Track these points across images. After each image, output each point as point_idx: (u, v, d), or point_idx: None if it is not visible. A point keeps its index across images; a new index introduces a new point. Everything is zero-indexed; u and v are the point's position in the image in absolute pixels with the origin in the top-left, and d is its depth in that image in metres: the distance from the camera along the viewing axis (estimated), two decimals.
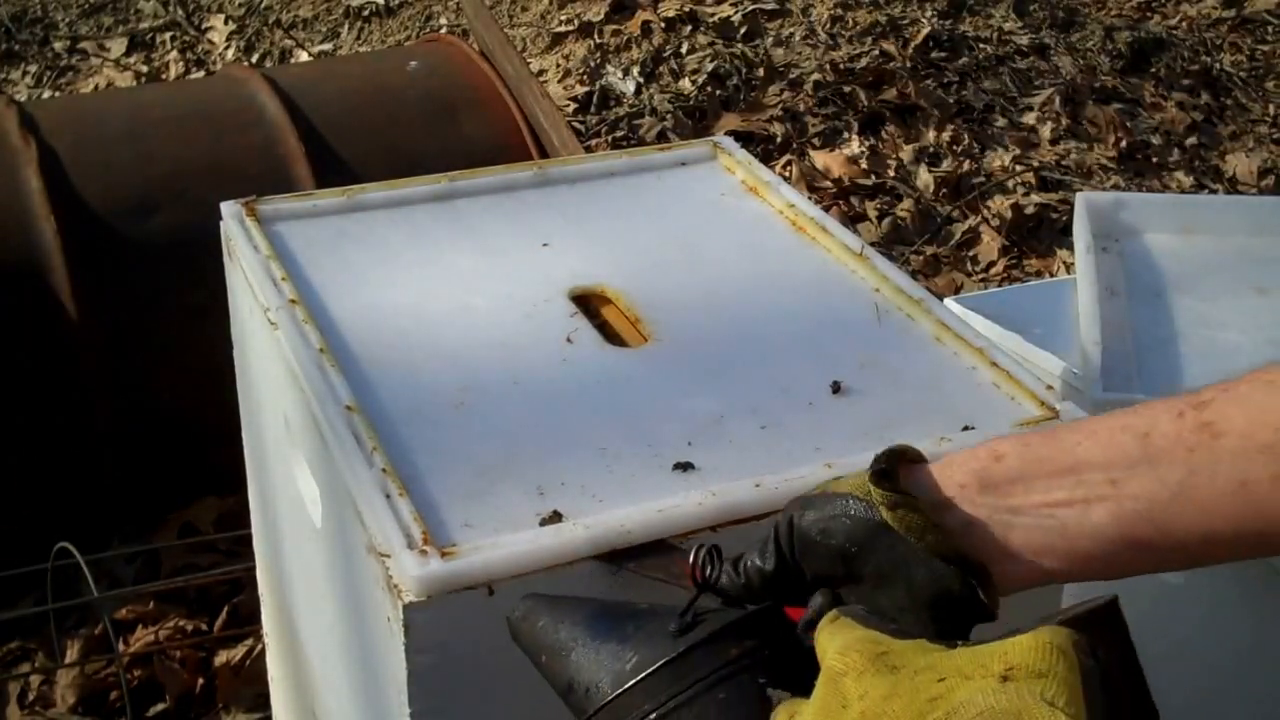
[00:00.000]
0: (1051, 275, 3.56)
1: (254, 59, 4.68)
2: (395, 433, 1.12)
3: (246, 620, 2.32)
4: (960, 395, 1.20)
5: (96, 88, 4.58)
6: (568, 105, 4.03)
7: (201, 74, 4.62)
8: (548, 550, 0.99)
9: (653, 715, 0.78)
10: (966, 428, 1.14)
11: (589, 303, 1.34)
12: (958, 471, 0.84)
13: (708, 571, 0.85)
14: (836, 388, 1.19)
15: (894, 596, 0.82)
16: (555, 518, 1.03)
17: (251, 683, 2.25)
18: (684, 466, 1.09)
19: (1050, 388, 1.20)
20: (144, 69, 4.68)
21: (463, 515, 1.03)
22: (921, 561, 0.81)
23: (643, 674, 0.80)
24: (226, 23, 4.82)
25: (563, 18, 4.43)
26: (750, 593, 0.86)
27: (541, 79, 3.93)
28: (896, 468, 0.84)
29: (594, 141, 3.90)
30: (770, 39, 4.35)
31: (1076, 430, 0.84)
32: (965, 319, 1.37)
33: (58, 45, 4.82)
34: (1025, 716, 0.65)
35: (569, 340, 1.27)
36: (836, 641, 0.75)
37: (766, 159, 3.81)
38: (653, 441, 1.12)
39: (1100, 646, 0.74)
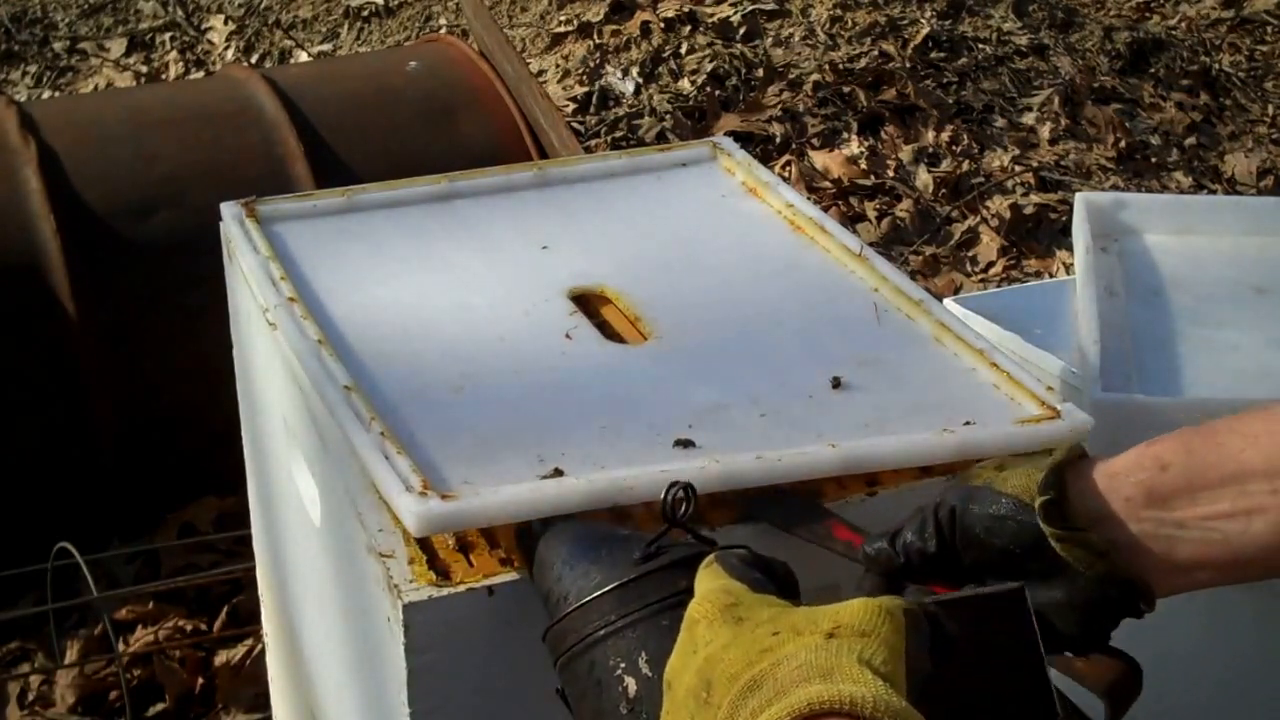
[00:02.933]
0: (1051, 275, 3.56)
1: (253, 59, 4.68)
2: (394, 410, 1.12)
3: (246, 620, 2.32)
4: (960, 394, 1.20)
5: (96, 88, 4.58)
6: (567, 105, 4.03)
7: (201, 74, 4.62)
8: (548, 499, 0.99)
9: (602, 630, 0.87)
10: (968, 423, 1.14)
11: (588, 303, 1.34)
12: (1124, 484, 0.88)
13: (681, 509, 0.92)
14: (836, 383, 1.19)
15: (1052, 595, 0.88)
16: (556, 474, 1.02)
17: (251, 683, 2.25)
18: (685, 444, 1.09)
19: (1050, 389, 1.20)
20: (144, 69, 4.68)
21: (463, 474, 1.03)
22: (1086, 578, 0.87)
23: (598, 592, 0.88)
24: (226, 23, 4.82)
25: (562, 18, 4.43)
26: (909, 570, 0.92)
27: (541, 79, 3.93)
28: (1064, 490, 0.89)
29: (593, 142, 3.90)
30: (769, 39, 4.36)
31: (1239, 433, 0.88)
32: (965, 319, 1.38)
33: (57, 45, 4.82)
34: (838, 673, 0.71)
35: (568, 336, 1.27)
36: (700, 588, 0.83)
37: (766, 159, 3.81)
38: (653, 423, 1.12)
39: (962, 625, 0.79)
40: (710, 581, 0.83)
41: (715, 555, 0.86)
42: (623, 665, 0.85)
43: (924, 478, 1.12)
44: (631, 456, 1.06)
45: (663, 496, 0.92)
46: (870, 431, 1.12)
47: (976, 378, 1.23)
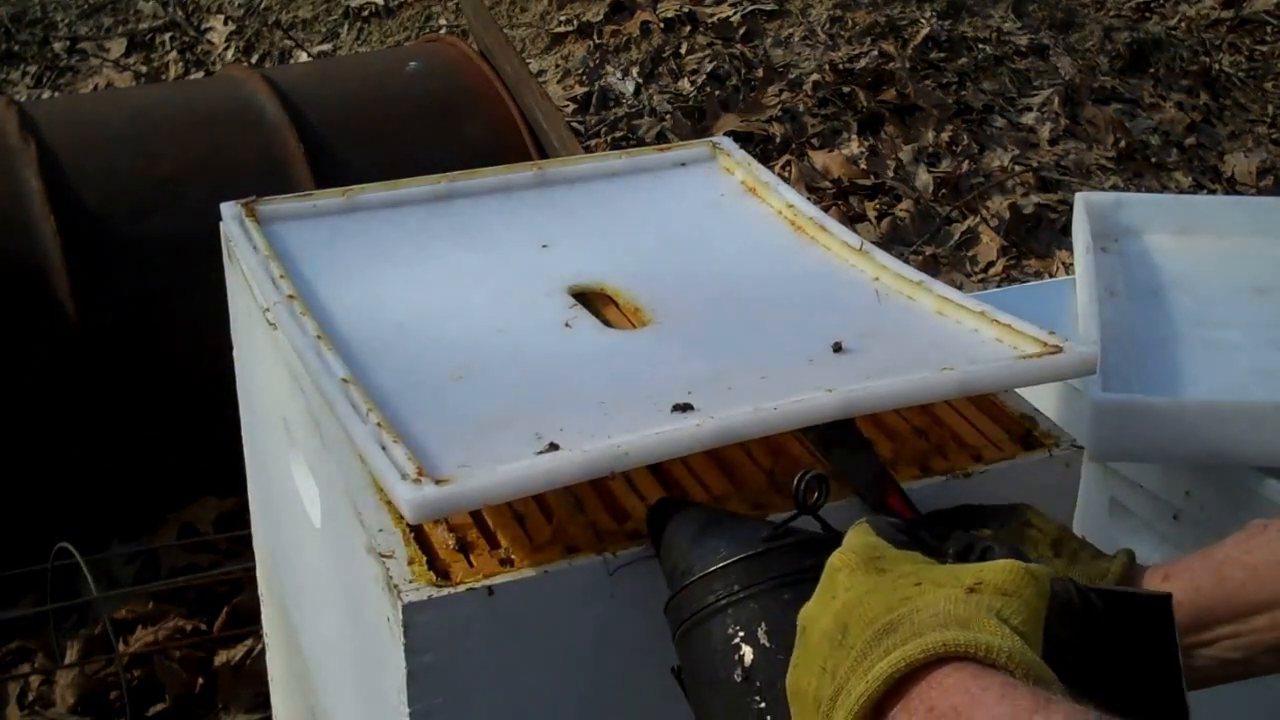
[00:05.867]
0: (1051, 275, 3.56)
1: (253, 60, 4.68)
2: (392, 401, 1.12)
3: (246, 620, 2.32)
4: (963, 348, 1.19)
5: (96, 88, 4.58)
6: (567, 105, 4.03)
7: (201, 74, 4.62)
8: (544, 473, 0.98)
9: (723, 600, 0.89)
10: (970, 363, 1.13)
11: (589, 299, 1.34)
12: None
13: (814, 497, 0.94)
14: (838, 347, 1.18)
15: None
16: (552, 448, 1.02)
17: (251, 683, 2.25)
18: (683, 408, 1.08)
19: (1053, 332, 1.18)
20: (144, 69, 4.68)
21: (460, 458, 1.02)
22: None
23: (723, 563, 0.90)
24: (226, 23, 4.82)
25: (562, 18, 4.43)
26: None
27: (541, 79, 3.93)
28: None
29: (593, 142, 3.90)
30: (769, 39, 4.35)
31: (1242, 564, 0.95)
32: None
33: (57, 45, 4.82)
34: (973, 624, 0.72)
35: (567, 325, 1.26)
36: (847, 543, 0.85)
37: (765, 159, 3.81)
38: (652, 395, 1.11)
39: (1110, 613, 0.82)
40: (857, 537, 0.86)
41: (866, 518, 0.89)
42: (741, 634, 0.87)
43: (936, 475, 1.12)
44: (629, 426, 1.05)
45: (795, 484, 0.94)
46: (871, 382, 1.10)
47: (979, 335, 1.21)
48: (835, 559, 0.83)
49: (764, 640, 0.85)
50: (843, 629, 0.77)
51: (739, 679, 0.85)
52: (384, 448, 1.02)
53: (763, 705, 0.84)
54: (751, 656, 0.85)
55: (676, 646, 0.92)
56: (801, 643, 0.81)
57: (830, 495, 0.95)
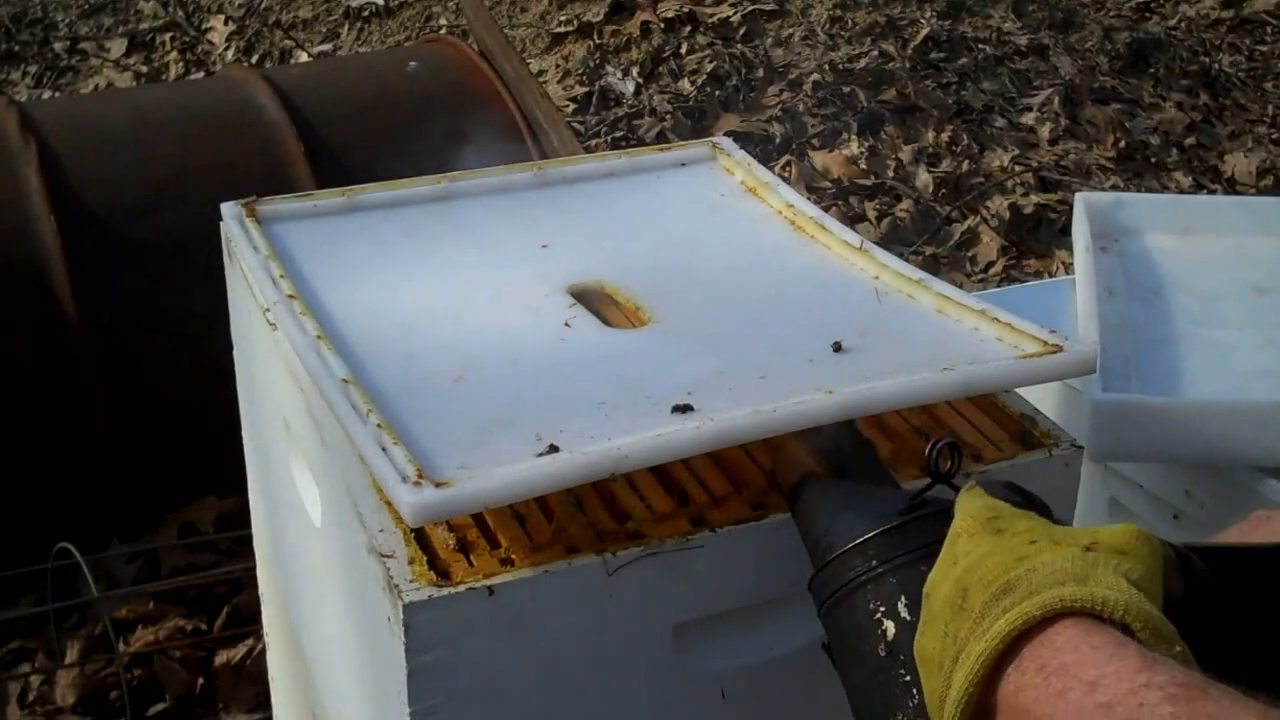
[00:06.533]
0: (1050, 275, 3.56)
1: (254, 60, 4.68)
2: (392, 402, 1.12)
3: (246, 620, 2.32)
4: (963, 347, 1.19)
5: (96, 88, 4.58)
6: (567, 105, 4.03)
7: (201, 74, 4.62)
8: (544, 477, 0.98)
9: (863, 576, 0.89)
10: (970, 363, 1.13)
11: (588, 298, 1.33)
12: None
13: (947, 466, 0.94)
14: (838, 347, 1.18)
15: None
16: (552, 450, 1.02)
17: (251, 683, 2.25)
18: (683, 409, 1.08)
19: (1053, 331, 1.19)
20: (144, 69, 4.68)
21: (459, 460, 1.02)
22: None
23: (860, 539, 0.90)
24: (226, 23, 4.82)
25: (562, 18, 4.44)
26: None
27: (541, 79, 3.93)
28: None
29: (593, 142, 3.90)
30: (769, 39, 4.36)
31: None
32: None
33: (58, 45, 4.82)
34: (1090, 580, 0.73)
35: (567, 325, 1.26)
36: (963, 508, 0.85)
37: (765, 159, 3.81)
38: (652, 395, 1.11)
39: (1210, 570, 0.81)
40: (972, 501, 0.86)
41: (976, 480, 0.89)
42: (883, 609, 0.87)
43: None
44: (629, 427, 1.05)
45: (927, 452, 0.94)
46: (871, 384, 1.10)
47: (979, 334, 1.21)
48: (956, 524, 0.84)
49: (904, 613, 0.86)
50: (963, 593, 0.78)
51: (883, 653, 0.86)
52: (384, 449, 1.02)
53: (909, 678, 0.85)
54: (894, 630, 0.86)
55: (823, 622, 0.93)
56: (926, 609, 0.81)
57: (963, 463, 0.96)
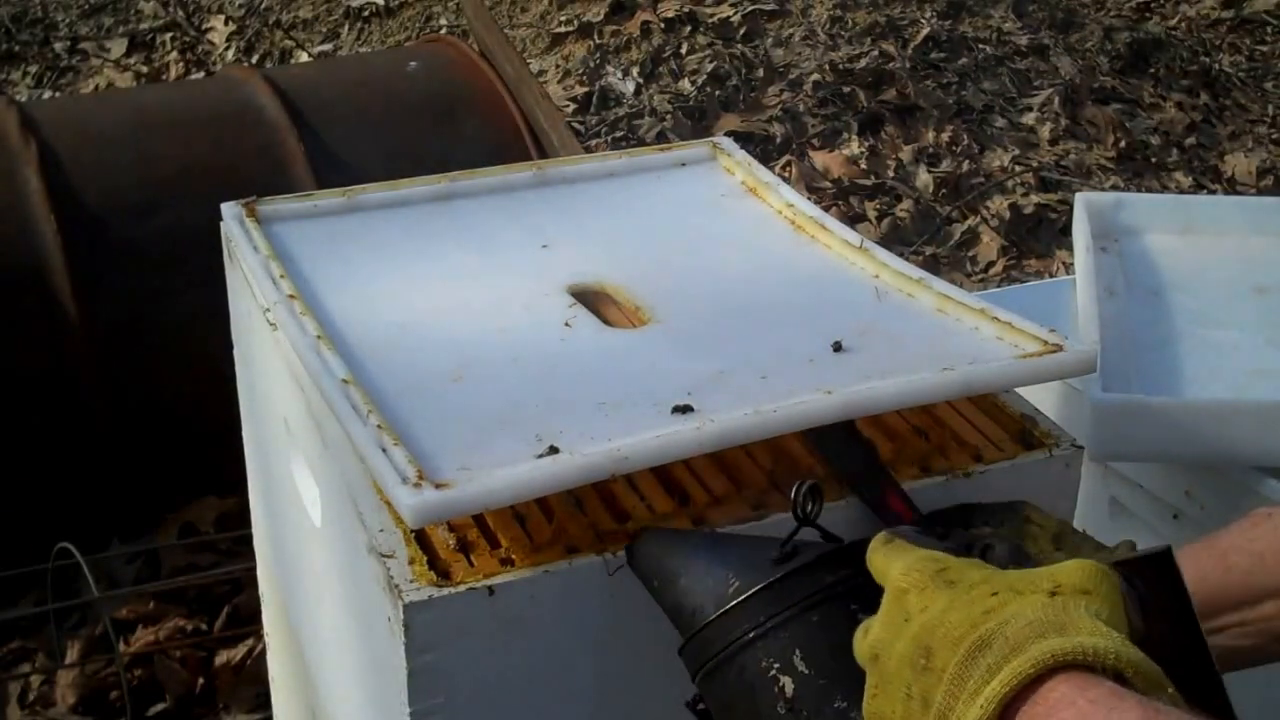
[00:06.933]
0: (1051, 275, 3.57)
1: (254, 59, 4.68)
2: (392, 402, 1.12)
3: (246, 620, 2.32)
4: (964, 346, 1.19)
5: (96, 88, 4.59)
6: (567, 106, 4.03)
7: (201, 74, 4.62)
8: (542, 478, 0.98)
9: (751, 634, 0.85)
10: (970, 363, 1.13)
11: (588, 297, 1.33)
12: None
13: (809, 508, 0.91)
14: (838, 346, 1.18)
15: None
16: (552, 451, 1.01)
17: (251, 683, 2.25)
18: (683, 410, 1.07)
19: (1052, 330, 1.18)
20: (144, 69, 4.69)
21: (459, 461, 1.02)
22: None
23: (742, 596, 0.86)
24: (226, 23, 4.82)
25: (562, 18, 4.44)
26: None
27: (541, 79, 3.93)
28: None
29: (593, 142, 3.90)
30: (770, 39, 4.36)
31: (1246, 551, 0.97)
32: None
33: (58, 45, 4.82)
34: (1069, 628, 0.70)
35: (567, 325, 1.26)
36: (898, 562, 0.81)
37: (766, 159, 3.81)
38: (653, 396, 1.11)
39: (1144, 585, 0.80)
40: (905, 553, 0.82)
41: (891, 532, 0.85)
42: (777, 665, 0.84)
43: (933, 475, 1.12)
44: (630, 428, 1.05)
45: (792, 495, 0.91)
46: (872, 383, 1.10)
47: (979, 334, 1.21)
48: (900, 580, 0.79)
49: (801, 667, 0.83)
50: (925, 652, 0.74)
51: (782, 710, 0.83)
52: (384, 450, 1.02)
53: None
54: (792, 686, 0.83)
55: (700, 685, 0.89)
56: (876, 671, 0.78)
57: (824, 501, 0.93)
